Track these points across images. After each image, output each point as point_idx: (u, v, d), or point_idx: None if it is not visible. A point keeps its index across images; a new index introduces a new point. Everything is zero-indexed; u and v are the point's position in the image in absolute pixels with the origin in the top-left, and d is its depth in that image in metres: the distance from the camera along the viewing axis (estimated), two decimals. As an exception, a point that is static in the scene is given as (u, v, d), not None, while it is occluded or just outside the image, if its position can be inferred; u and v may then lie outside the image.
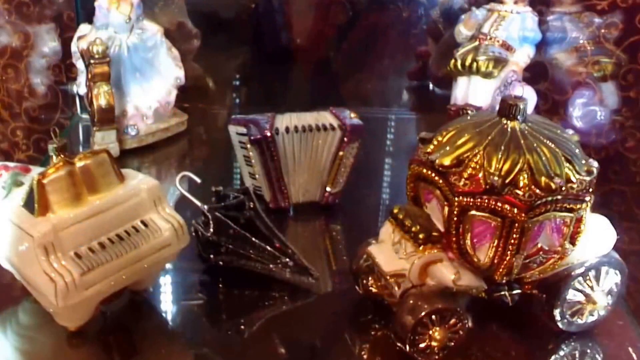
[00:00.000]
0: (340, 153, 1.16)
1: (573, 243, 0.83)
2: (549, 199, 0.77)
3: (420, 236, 0.83)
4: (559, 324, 0.88)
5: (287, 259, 0.98)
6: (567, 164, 0.79)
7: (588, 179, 0.80)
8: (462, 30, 1.43)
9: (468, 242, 0.81)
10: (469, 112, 1.35)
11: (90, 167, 0.86)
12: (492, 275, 0.83)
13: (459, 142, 0.80)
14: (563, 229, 0.81)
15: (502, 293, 0.86)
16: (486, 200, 0.78)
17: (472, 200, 0.78)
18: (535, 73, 1.47)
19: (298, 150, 1.14)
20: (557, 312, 0.87)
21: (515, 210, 0.77)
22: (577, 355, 0.88)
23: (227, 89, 1.71)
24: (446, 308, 0.81)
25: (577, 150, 0.81)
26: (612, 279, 0.88)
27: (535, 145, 0.79)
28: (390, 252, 0.87)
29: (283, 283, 0.98)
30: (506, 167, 0.77)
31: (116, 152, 1.33)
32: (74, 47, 1.39)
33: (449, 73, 1.44)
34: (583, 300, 0.88)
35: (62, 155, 0.86)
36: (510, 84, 1.37)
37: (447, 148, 0.81)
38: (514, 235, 0.78)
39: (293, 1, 1.65)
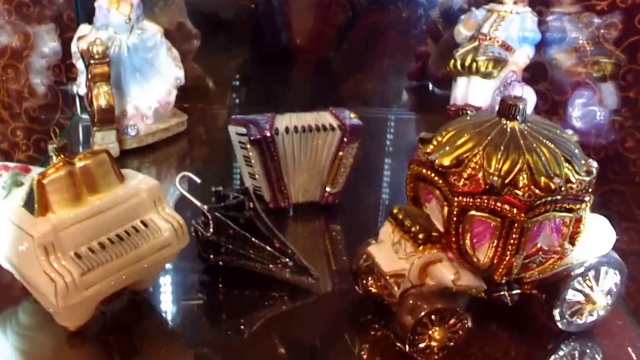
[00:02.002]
0: (340, 153, 1.16)
1: (572, 243, 0.83)
2: (549, 199, 0.77)
3: (420, 236, 0.83)
4: (559, 324, 0.88)
5: (287, 259, 0.98)
6: (567, 164, 0.79)
7: (587, 179, 0.80)
8: (462, 31, 1.43)
9: (468, 242, 0.81)
10: (469, 112, 1.35)
11: (90, 167, 0.86)
12: (491, 276, 0.83)
13: (459, 142, 0.80)
14: (562, 229, 0.81)
15: (502, 293, 0.86)
16: (486, 201, 0.78)
17: (471, 200, 0.78)
18: (535, 73, 1.48)
19: (298, 151, 1.14)
20: (556, 312, 0.87)
21: (515, 211, 0.77)
22: (576, 355, 0.88)
23: (227, 89, 1.71)
24: (446, 308, 0.82)
25: (576, 151, 0.81)
26: (611, 279, 0.89)
27: (534, 145, 0.79)
28: (389, 252, 0.87)
29: (283, 283, 0.98)
30: (506, 167, 0.77)
31: (116, 152, 1.34)
32: (74, 47, 1.39)
33: (448, 73, 1.44)
34: (582, 301, 0.88)
35: (62, 156, 0.87)
36: (509, 84, 1.38)
37: (447, 148, 0.81)
38: (514, 236, 0.78)
39: (293, 1, 1.65)
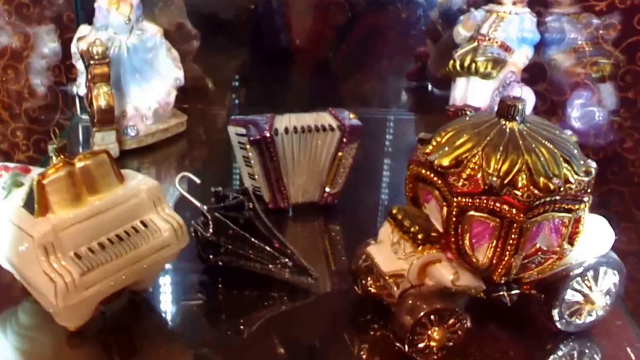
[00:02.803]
0: (339, 154, 1.16)
1: (571, 243, 0.83)
2: (548, 199, 0.77)
3: (419, 236, 0.83)
4: (558, 324, 0.88)
5: (287, 259, 0.98)
6: (566, 165, 0.79)
7: (586, 179, 0.80)
8: (461, 31, 1.43)
9: (467, 242, 0.81)
10: (468, 112, 1.35)
11: (90, 167, 0.86)
12: (490, 276, 0.83)
13: (458, 142, 0.80)
14: (561, 230, 0.81)
15: (501, 293, 0.86)
16: (485, 201, 0.78)
17: (470, 200, 0.78)
18: (534, 74, 1.48)
19: (297, 151, 1.15)
20: (555, 312, 0.87)
21: (514, 211, 0.77)
22: (575, 356, 0.88)
23: (226, 90, 1.72)
24: (445, 308, 0.82)
25: (575, 151, 0.81)
26: (610, 279, 0.89)
27: (533, 145, 0.79)
28: (389, 253, 0.87)
29: (282, 283, 0.98)
30: (505, 167, 0.77)
31: (116, 153, 1.34)
32: (73, 48, 1.39)
33: (447, 74, 1.44)
34: (581, 301, 0.88)
35: (62, 156, 0.87)
36: (508, 84, 1.38)
37: (446, 149, 0.81)
38: (513, 236, 0.78)
39: (292, 2, 1.65)
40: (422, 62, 1.69)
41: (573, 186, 0.79)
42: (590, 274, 0.87)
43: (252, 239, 0.98)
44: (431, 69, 1.66)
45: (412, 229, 0.83)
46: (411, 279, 0.83)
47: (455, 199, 0.79)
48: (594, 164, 0.81)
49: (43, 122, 1.61)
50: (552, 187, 0.77)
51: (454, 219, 0.80)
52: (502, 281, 0.85)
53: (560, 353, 0.89)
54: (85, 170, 0.86)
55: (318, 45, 1.68)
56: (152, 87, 1.43)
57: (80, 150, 1.47)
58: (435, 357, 0.84)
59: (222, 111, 1.65)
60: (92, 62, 1.30)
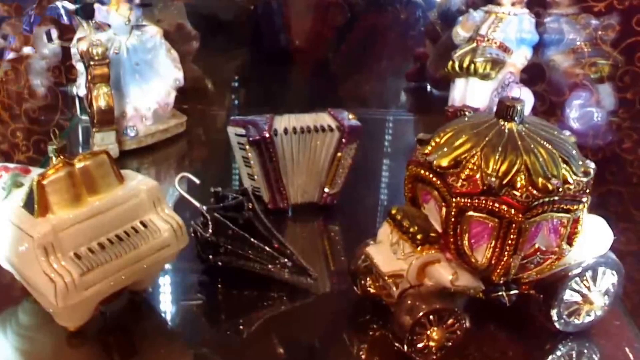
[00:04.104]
0: (339, 154, 1.16)
1: (570, 244, 0.83)
2: (546, 199, 0.77)
3: (418, 237, 0.83)
4: (556, 324, 0.88)
5: (286, 260, 0.98)
6: (564, 165, 0.79)
7: (585, 180, 0.80)
8: (460, 32, 1.43)
9: (466, 242, 0.81)
10: (467, 113, 1.35)
11: (90, 168, 0.86)
12: (489, 276, 0.83)
13: (457, 143, 0.80)
14: (560, 230, 0.81)
15: (500, 293, 0.86)
16: (484, 201, 0.78)
17: (469, 201, 0.78)
18: (533, 74, 1.48)
19: (296, 152, 1.15)
20: (554, 313, 0.87)
21: (513, 211, 0.77)
22: (574, 356, 0.88)
23: (226, 91, 1.72)
24: (444, 308, 0.82)
25: (574, 152, 0.81)
26: (609, 279, 0.89)
27: (532, 146, 0.79)
28: (388, 253, 0.87)
29: (282, 283, 0.98)
30: (503, 168, 0.77)
31: (115, 153, 1.34)
32: (73, 48, 1.39)
33: (446, 74, 1.44)
34: (580, 301, 0.88)
35: (61, 157, 0.87)
36: (507, 85, 1.38)
37: (445, 149, 0.81)
38: (512, 236, 0.78)
39: (292, 3, 1.65)
40: (421, 62, 1.69)
41: (572, 187, 0.79)
42: (589, 274, 0.87)
43: (252, 239, 0.98)
44: (430, 69, 1.66)
45: (411, 229, 0.84)
46: (410, 279, 0.83)
47: (454, 200, 0.79)
48: (592, 165, 0.81)
49: (43, 122, 1.61)
50: (550, 187, 0.77)
51: (452, 219, 0.80)
52: (501, 281, 0.85)
53: (559, 353, 0.89)
54: (85, 171, 0.86)
55: (317, 45, 1.68)
56: (152, 88, 1.43)
57: (80, 150, 1.47)
58: (434, 357, 0.84)
59: (222, 112, 1.66)
60: (92, 62, 1.30)
